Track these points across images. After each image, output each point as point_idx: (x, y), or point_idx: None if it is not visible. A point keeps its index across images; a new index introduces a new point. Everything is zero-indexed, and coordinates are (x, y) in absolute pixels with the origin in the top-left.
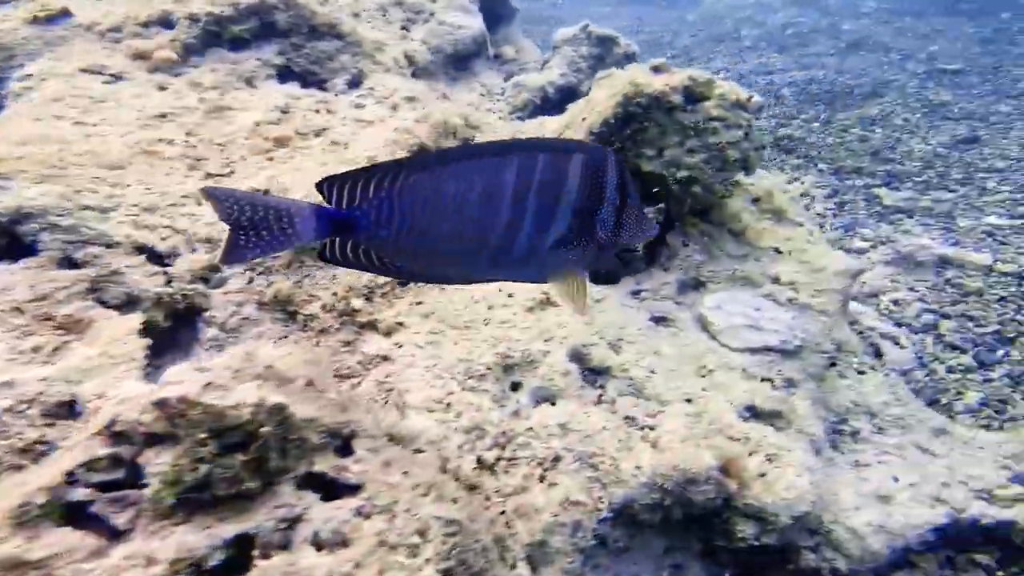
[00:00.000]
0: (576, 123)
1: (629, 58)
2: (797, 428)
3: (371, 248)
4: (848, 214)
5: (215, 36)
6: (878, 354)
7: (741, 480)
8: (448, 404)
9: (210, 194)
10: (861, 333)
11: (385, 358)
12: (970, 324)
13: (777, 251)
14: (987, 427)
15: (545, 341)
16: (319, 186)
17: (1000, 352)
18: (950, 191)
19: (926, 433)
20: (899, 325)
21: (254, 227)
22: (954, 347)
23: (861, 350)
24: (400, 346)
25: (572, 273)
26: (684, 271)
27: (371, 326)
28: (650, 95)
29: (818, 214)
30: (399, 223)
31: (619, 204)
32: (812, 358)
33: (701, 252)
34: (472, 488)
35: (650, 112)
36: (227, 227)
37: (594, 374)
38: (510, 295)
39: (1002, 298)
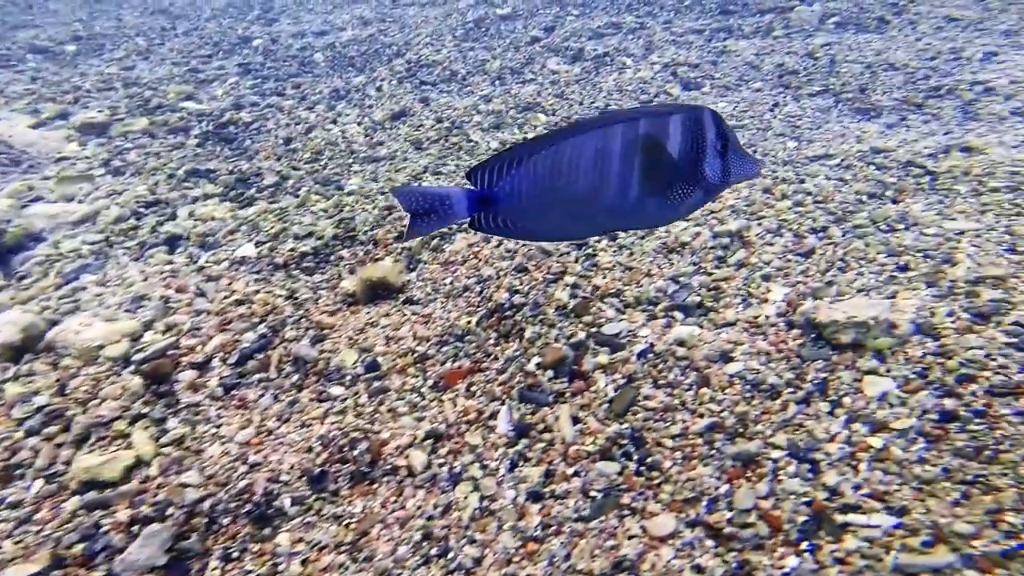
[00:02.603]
0: None
1: None
2: None
3: (507, 217)
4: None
5: None
6: None
7: None
8: None
9: (395, 193)
10: None
11: None
12: None
13: None
14: None
15: None
16: (469, 175)
17: None
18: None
19: None
20: None
21: (426, 212)
22: None
23: None
24: None
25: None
26: None
27: None
28: None
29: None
30: (527, 192)
31: (722, 150)
32: None
33: None
34: None
35: None
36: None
37: None
38: None
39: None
